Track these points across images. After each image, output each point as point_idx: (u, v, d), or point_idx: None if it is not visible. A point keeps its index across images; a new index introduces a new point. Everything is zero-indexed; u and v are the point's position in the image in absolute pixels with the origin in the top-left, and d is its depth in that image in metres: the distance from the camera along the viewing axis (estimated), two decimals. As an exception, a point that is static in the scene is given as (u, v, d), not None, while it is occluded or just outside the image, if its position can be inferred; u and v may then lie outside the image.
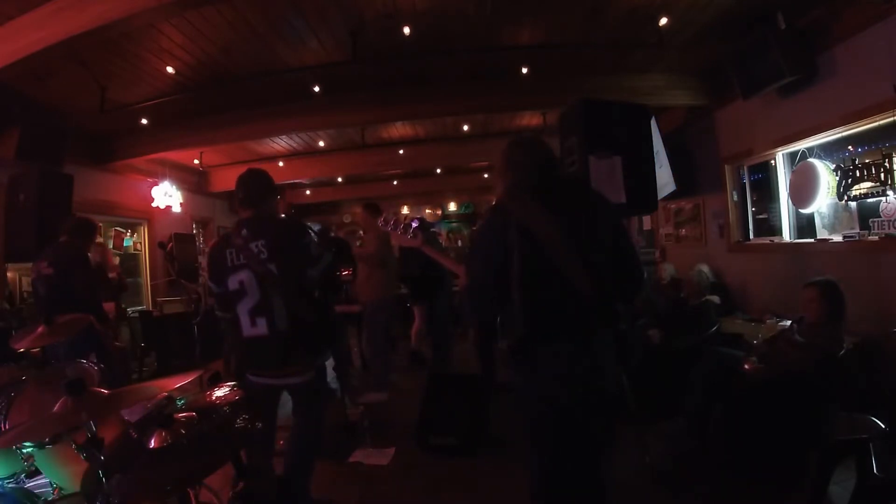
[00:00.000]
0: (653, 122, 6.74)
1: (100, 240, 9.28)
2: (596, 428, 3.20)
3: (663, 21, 7.13)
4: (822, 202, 7.21)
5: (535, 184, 3.32)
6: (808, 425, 4.68)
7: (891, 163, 6.21)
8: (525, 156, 3.46)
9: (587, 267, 3.07)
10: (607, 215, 3.35)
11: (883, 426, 4.39)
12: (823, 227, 7.38)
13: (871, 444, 4.19)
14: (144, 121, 9.18)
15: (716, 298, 7.81)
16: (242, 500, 3.53)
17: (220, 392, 3.39)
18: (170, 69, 7.55)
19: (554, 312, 3.12)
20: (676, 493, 5.02)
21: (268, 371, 4.40)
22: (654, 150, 6.32)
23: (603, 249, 3.20)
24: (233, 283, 4.27)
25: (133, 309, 11.09)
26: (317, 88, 8.60)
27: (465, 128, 12.46)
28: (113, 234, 11.61)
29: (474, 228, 13.71)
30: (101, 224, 7.95)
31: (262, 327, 4.24)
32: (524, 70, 8.56)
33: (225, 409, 3.09)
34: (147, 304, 12.04)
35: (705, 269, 7.85)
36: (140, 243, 12.55)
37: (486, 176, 16.69)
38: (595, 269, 3.09)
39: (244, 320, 4.29)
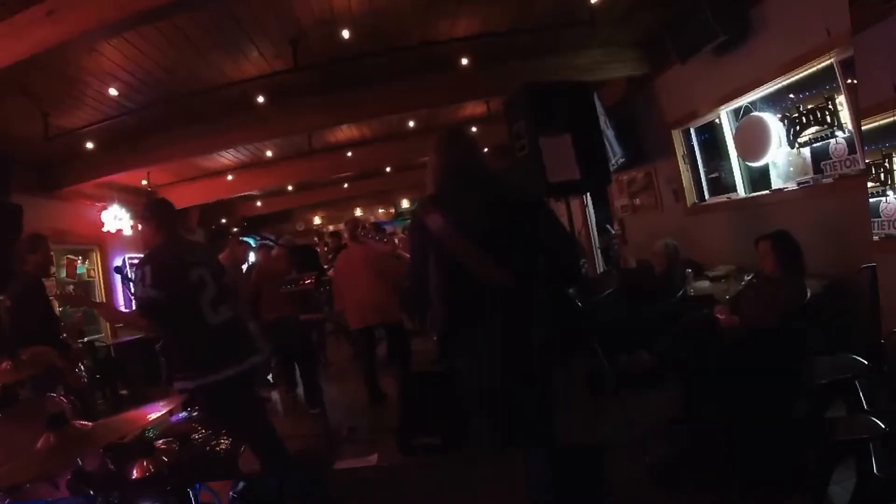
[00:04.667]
0: (595, 97, 6.81)
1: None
2: (530, 400, 3.49)
3: (593, -1, 7.19)
4: (775, 153, 7.29)
5: (445, 185, 3.69)
6: (789, 377, 4.75)
7: (834, 105, 6.31)
8: (437, 156, 3.80)
9: (500, 261, 3.32)
10: (522, 209, 3.57)
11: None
12: (779, 177, 7.45)
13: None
14: (90, 145, 9.07)
15: (689, 271, 7.93)
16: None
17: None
18: (113, 91, 7.47)
19: (467, 306, 3.44)
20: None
21: None
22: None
23: (520, 242, 3.41)
24: None
25: (89, 338, 10.85)
26: (261, 99, 8.61)
27: (411, 124, 12.48)
28: (65, 262, 11.22)
29: None
30: (52, 254, 7.77)
31: None
32: (464, 61, 8.60)
33: (204, 431, 3.19)
34: (105, 332, 11.70)
35: (670, 241, 7.90)
36: (93, 270, 12.25)
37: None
38: (510, 260, 3.34)
39: None
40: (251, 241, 10.33)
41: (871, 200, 6.21)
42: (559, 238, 3.68)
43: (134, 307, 4.71)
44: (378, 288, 7.79)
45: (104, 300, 11.49)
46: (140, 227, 5.05)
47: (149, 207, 4.98)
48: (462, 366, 3.58)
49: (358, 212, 19.60)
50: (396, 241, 8.58)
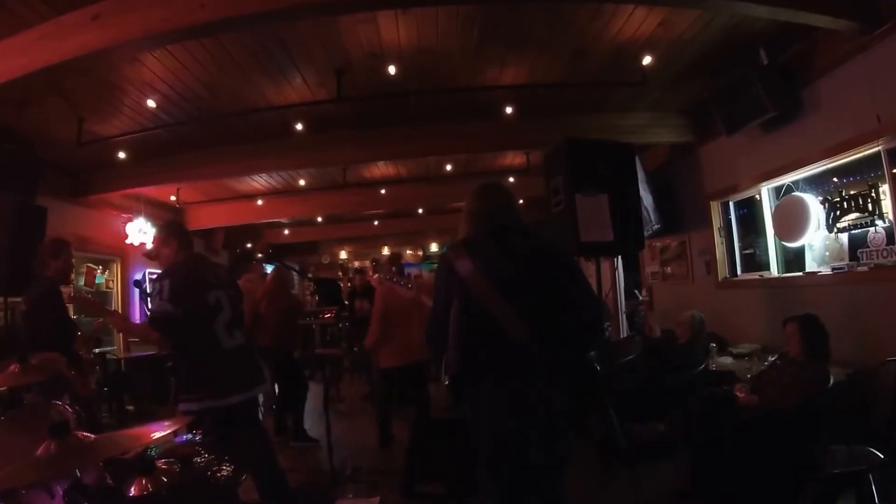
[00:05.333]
0: (637, 161, 6.73)
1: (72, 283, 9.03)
2: (535, 458, 3.43)
3: (647, 60, 7.17)
4: (813, 235, 7.20)
5: (482, 234, 3.69)
6: (803, 461, 4.62)
7: (877, 192, 6.25)
8: (474, 203, 3.83)
9: (523, 315, 3.34)
10: (553, 265, 3.62)
11: (881, 456, 4.35)
12: (814, 260, 7.37)
13: (870, 476, 4.15)
14: (122, 154, 9.08)
15: (713, 346, 7.82)
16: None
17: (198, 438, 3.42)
18: (151, 102, 7.45)
19: (485, 356, 3.43)
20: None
21: None
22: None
23: (546, 298, 3.45)
24: None
25: (101, 349, 10.72)
26: (300, 126, 8.60)
27: (448, 167, 12.44)
28: (85, 270, 11.28)
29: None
30: (73, 260, 7.66)
31: None
32: (508, 110, 8.57)
33: (206, 455, 3.13)
34: (117, 344, 11.67)
35: (697, 313, 7.79)
36: (112, 281, 12.25)
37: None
38: (534, 316, 3.36)
39: None
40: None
41: (859, 231, 6.39)
42: (585, 297, 3.67)
43: (147, 319, 4.61)
44: (418, 329, 7.70)
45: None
46: (159, 246, 4.99)
47: (167, 228, 5.00)
48: (472, 414, 3.55)
49: (385, 251, 19.59)
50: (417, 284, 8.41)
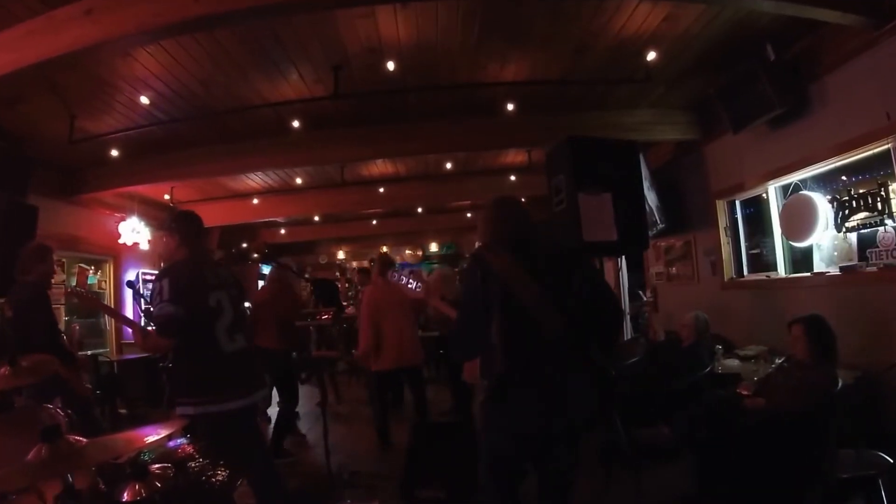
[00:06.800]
0: (640, 159, 6.63)
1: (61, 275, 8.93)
2: (558, 456, 3.56)
3: (651, 56, 7.08)
4: (821, 235, 7.11)
5: (511, 238, 3.66)
6: (810, 466, 4.53)
7: (887, 191, 6.16)
8: (502, 212, 3.86)
9: (560, 314, 3.37)
10: (578, 266, 3.76)
11: (891, 460, 4.28)
12: (822, 260, 7.28)
13: (879, 480, 4.08)
14: (115, 152, 9.00)
15: (719, 348, 7.71)
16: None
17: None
18: (144, 99, 7.36)
19: (529, 355, 3.42)
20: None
21: None
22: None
23: (575, 298, 3.48)
24: None
25: (93, 352, 10.62)
26: (296, 124, 8.54)
27: (448, 166, 12.37)
28: (77, 270, 11.09)
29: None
30: (64, 260, 7.52)
31: None
32: (509, 107, 8.51)
33: (201, 460, 3.06)
34: (110, 346, 11.60)
35: (701, 314, 7.70)
36: (105, 281, 12.02)
37: (468, 215, 16.36)
38: (567, 315, 3.39)
39: None
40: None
41: (868, 231, 6.32)
42: (606, 293, 3.82)
43: (153, 327, 4.45)
44: (413, 332, 7.61)
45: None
46: (164, 238, 4.82)
47: (175, 219, 4.77)
48: (499, 414, 3.57)
49: (384, 251, 19.26)
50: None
